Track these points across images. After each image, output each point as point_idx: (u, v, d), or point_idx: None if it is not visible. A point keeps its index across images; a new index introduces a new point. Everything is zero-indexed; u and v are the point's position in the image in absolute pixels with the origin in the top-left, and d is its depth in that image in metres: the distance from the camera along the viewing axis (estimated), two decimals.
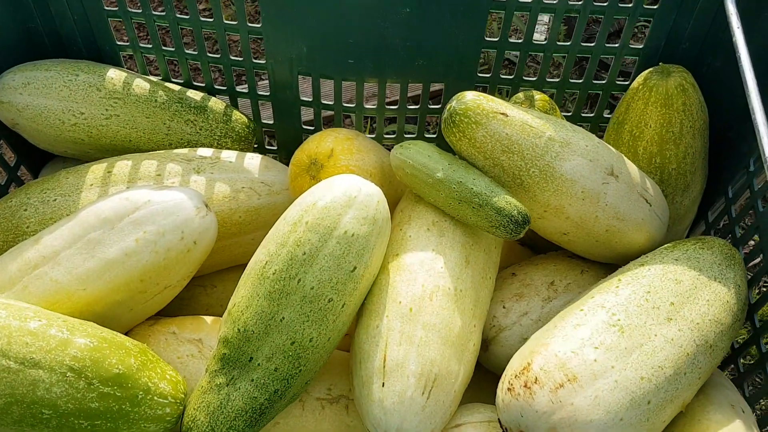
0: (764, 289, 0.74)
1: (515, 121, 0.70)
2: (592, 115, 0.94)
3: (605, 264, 0.82)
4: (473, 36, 0.84)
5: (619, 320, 0.62)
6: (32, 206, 0.79)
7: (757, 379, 1.04)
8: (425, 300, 0.66)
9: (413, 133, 0.98)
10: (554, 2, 0.80)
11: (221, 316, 0.89)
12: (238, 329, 0.63)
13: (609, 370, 0.59)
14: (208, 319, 0.76)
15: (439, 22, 0.82)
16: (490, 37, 0.84)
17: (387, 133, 0.98)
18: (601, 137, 0.98)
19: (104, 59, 0.93)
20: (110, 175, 0.81)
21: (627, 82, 0.89)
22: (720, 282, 0.68)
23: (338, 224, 0.64)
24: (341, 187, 0.66)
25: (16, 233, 0.78)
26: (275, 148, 1.03)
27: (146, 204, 0.68)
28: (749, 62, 0.66)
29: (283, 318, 0.62)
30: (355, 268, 0.64)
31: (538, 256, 0.84)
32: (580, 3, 0.80)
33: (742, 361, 0.77)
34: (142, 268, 0.68)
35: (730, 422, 0.65)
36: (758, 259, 0.84)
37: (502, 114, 0.70)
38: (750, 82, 0.64)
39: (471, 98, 0.70)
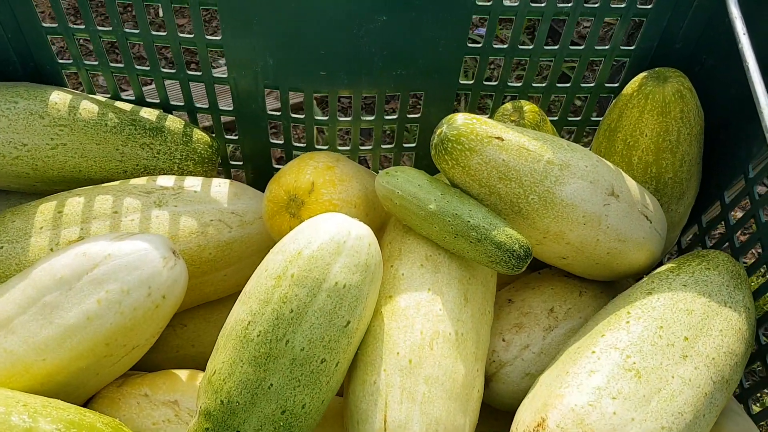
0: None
1: (512, 145, 0.64)
2: (578, 119, 0.89)
3: (602, 282, 0.78)
4: (455, 42, 0.77)
5: (634, 363, 0.58)
6: None
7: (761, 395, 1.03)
8: (425, 349, 0.60)
9: (391, 142, 0.91)
10: (542, 5, 0.74)
11: (193, 358, 0.82)
12: (221, 401, 0.56)
13: (629, 423, 0.54)
14: (183, 374, 0.69)
15: (418, 30, 0.75)
16: (473, 43, 0.78)
17: (362, 145, 0.91)
18: (588, 142, 0.93)
19: (44, 78, 0.83)
20: (61, 216, 0.72)
21: (616, 85, 0.84)
22: (730, 307, 0.65)
23: (328, 275, 0.57)
24: (328, 232, 0.59)
25: None
26: (240, 163, 0.95)
27: (106, 259, 0.61)
28: (758, 70, 0.61)
29: (272, 385, 0.56)
30: (348, 322, 0.58)
31: (532, 275, 0.80)
32: (569, 5, 0.74)
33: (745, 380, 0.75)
34: (106, 331, 0.60)
35: None
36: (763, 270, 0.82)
37: (498, 138, 0.64)
38: (760, 92, 0.60)
39: (463, 122, 0.64)
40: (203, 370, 0.82)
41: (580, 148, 0.68)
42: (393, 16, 0.74)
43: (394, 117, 0.87)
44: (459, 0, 0.73)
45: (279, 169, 0.96)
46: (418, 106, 0.86)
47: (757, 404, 1.02)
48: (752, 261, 0.74)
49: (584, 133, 0.92)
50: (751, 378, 1.00)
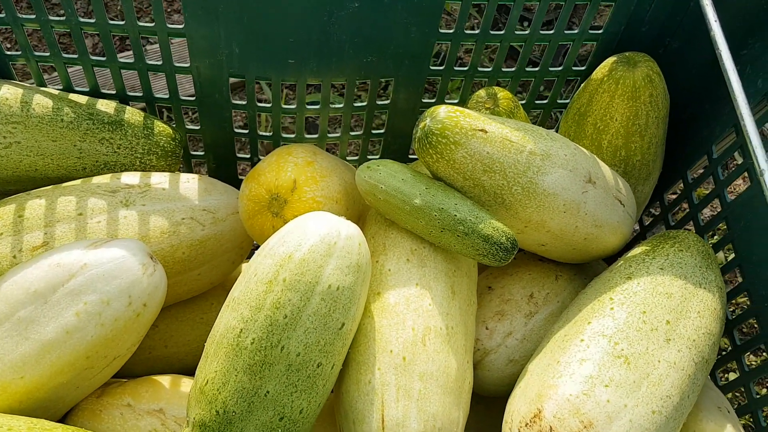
0: (739, 280, 0.74)
1: (495, 137, 0.64)
2: (545, 102, 0.90)
3: (575, 265, 0.80)
4: (427, 28, 0.76)
5: (623, 350, 0.59)
6: None
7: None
8: (418, 346, 0.60)
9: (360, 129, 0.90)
10: (500, 33, 0.74)
11: (166, 358, 0.80)
12: (217, 411, 0.55)
13: (622, 410, 0.56)
14: (165, 381, 0.67)
15: (390, 16, 0.74)
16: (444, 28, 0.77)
17: (330, 133, 0.89)
18: (554, 124, 0.94)
19: None
20: (22, 220, 0.68)
21: (583, 68, 0.85)
22: (705, 288, 0.67)
23: (320, 278, 0.56)
24: (317, 233, 0.58)
25: None
26: (202, 153, 0.92)
27: (82, 269, 0.58)
28: (730, 58, 0.63)
29: (268, 392, 0.55)
30: (343, 324, 0.57)
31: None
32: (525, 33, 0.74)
33: None
34: (87, 344, 0.57)
35: (723, 428, 0.65)
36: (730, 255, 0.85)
37: (482, 131, 0.63)
38: (734, 79, 0.61)
39: (446, 115, 0.63)
40: (177, 371, 0.80)
41: (558, 137, 0.69)
42: (365, 3, 0.72)
43: (364, 104, 0.86)
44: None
45: (242, 158, 0.94)
46: (387, 93, 0.85)
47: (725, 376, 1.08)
48: (716, 240, 0.77)
49: (549, 118, 0.93)
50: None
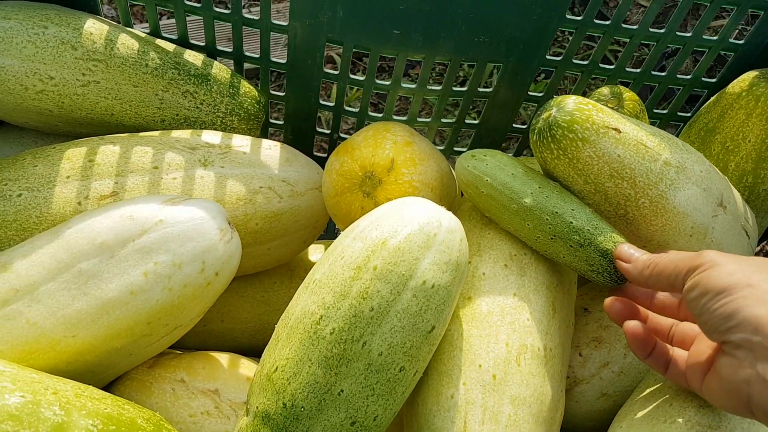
0: None
1: (629, 139, 0.56)
2: (665, 112, 0.81)
3: None
4: (554, 11, 0.68)
5: None
6: None
7: None
8: (511, 364, 0.53)
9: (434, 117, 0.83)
10: (633, 27, 0.65)
11: (220, 333, 0.75)
12: (284, 403, 0.49)
13: None
14: (223, 359, 0.61)
15: (507, 11, 0.66)
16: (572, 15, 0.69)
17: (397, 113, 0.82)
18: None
19: (77, 3, 0.72)
20: (92, 165, 0.63)
21: (713, 80, 0.77)
22: None
23: (415, 271, 0.49)
24: (417, 220, 0.51)
25: None
26: (281, 122, 0.86)
27: (157, 225, 0.52)
28: None
29: (342, 391, 0.48)
30: (433, 328, 0.50)
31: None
32: (660, 32, 0.66)
33: None
34: (150, 309, 0.52)
35: None
36: None
37: (615, 129, 0.56)
38: None
39: (576, 106, 0.56)
40: (229, 348, 0.75)
41: (693, 150, 0.61)
42: (476, 12, 0.65)
43: (463, 89, 0.79)
44: (546, 8, 0.64)
45: (321, 133, 0.88)
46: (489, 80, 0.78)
47: None
48: None
49: (665, 127, 0.84)
50: None
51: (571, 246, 0.56)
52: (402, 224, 0.51)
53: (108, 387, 0.59)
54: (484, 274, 0.58)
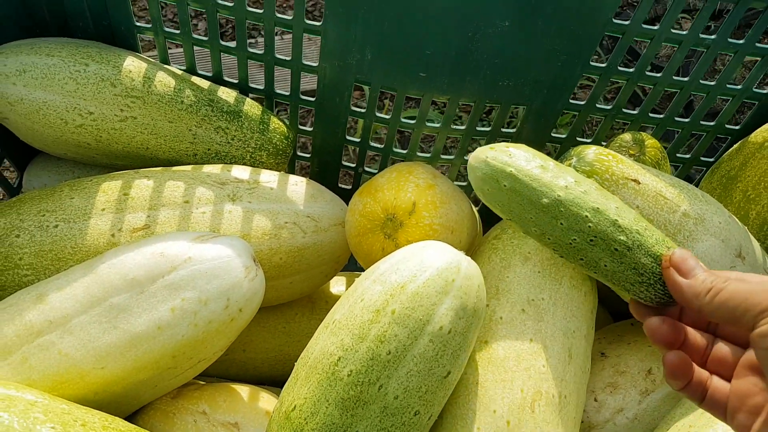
0: None
1: (648, 190, 0.57)
2: (688, 156, 0.82)
3: None
4: (578, 58, 0.70)
5: None
6: (27, 232, 0.64)
7: None
8: (525, 411, 0.54)
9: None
10: (682, 33, 0.66)
11: (242, 363, 0.76)
12: None
13: None
14: (244, 392, 0.62)
15: (540, 40, 0.68)
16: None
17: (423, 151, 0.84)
18: (692, 182, 0.86)
19: (117, 40, 0.76)
20: (126, 199, 0.65)
21: (737, 127, 0.77)
22: None
23: (432, 317, 0.51)
24: (436, 266, 0.52)
25: (6, 265, 0.63)
26: (308, 156, 0.88)
27: (186, 263, 0.54)
28: None
29: None
30: (449, 373, 0.51)
31: (624, 326, 0.73)
32: (712, 38, 0.67)
33: None
34: (176, 343, 0.54)
35: None
36: None
37: (634, 181, 0.57)
38: None
39: (595, 157, 0.57)
40: (251, 377, 0.77)
41: (713, 201, 0.61)
42: (516, 23, 0.67)
43: (487, 129, 0.80)
44: (593, 13, 0.65)
45: (346, 166, 0.90)
46: (512, 119, 0.79)
47: None
48: None
49: (687, 173, 0.85)
50: None
51: (615, 250, 0.48)
52: (421, 269, 0.52)
53: (132, 416, 0.61)
54: (501, 318, 0.59)
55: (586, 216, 0.49)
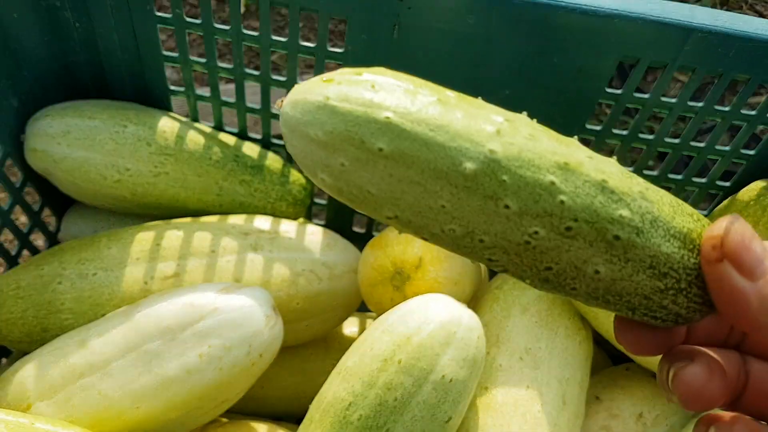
0: None
1: None
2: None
3: None
4: (574, 122, 0.75)
5: None
6: (68, 279, 0.70)
7: None
8: None
9: None
10: (672, 100, 0.72)
11: (261, 399, 0.82)
12: None
13: None
14: (263, 429, 0.68)
15: (538, 106, 0.74)
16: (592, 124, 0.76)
17: None
18: None
19: (151, 99, 0.83)
20: (159, 249, 0.72)
21: (727, 184, 0.82)
22: None
23: (435, 366, 0.56)
24: (439, 319, 0.58)
25: (50, 310, 0.70)
26: (324, 202, 0.94)
27: (213, 312, 0.60)
28: None
29: None
30: (450, 418, 0.56)
31: (619, 370, 0.77)
32: (699, 104, 0.72)
33: None
34: (203, 386, 0.59)
35: None
36: None
37: None
38: None
39: None
40: (268, 412, 0.82)
41: None
42: (516, 92, 0.72)
43: None
44: (586, 83, 0.71)
45: (360, 213, 0.95)
46: None
47: None
48: None
49: None
50: None
51: (615, 237, 0.29)
52: (426, 322, 0.58)
53: None
54: (500, 365, 0.64)
55: (552, 182, 0.29)
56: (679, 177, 0.82)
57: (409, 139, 0.29)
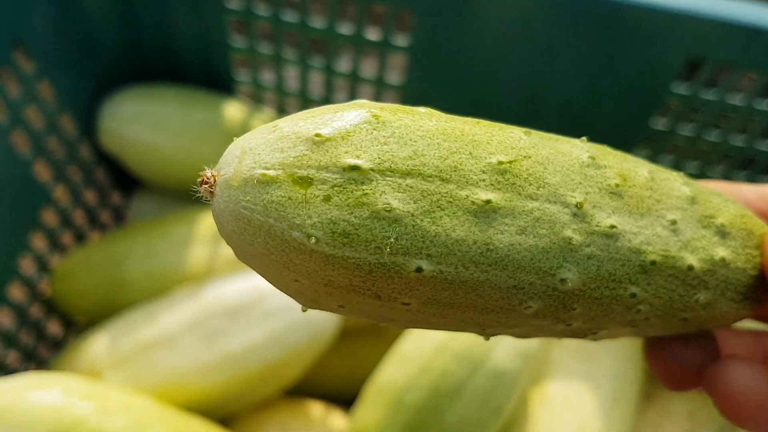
0: None
1: None
2: None
3: None
4: (643, 111, 0.75)
5: None
6: (138, 257, 0.74)
7: None
8: None
9: None
10: (738, 104, 0.71)
11: (320, 387, 0.84)
12: None
13: None
14: (318, 410, 0.71)
15: (602, 102, 0.74)
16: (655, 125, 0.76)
17: None
18: None
19: (217, 85, 0.86)
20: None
21: None
22: None
23: (489, 356, 0.57)
24: None
25: (119, 285, 0.73)
26: None
27: (276, 293, 0.62)
28: None
29: None
30: (500, 406, 0.58)
31: None
32: (765, 109, 0.71)
33: None
34: (264, 363, 0.62)
35: None
36: None
37: None
38: None
39: None
40: (321, 394, 0.84)
41: None
42: (581, 88, 0.73)
43: None
44: (652, 80, 0.71)
45: None
46: None
47: None
48: None
49: None
50: None
51: (684, 320, 0.29)
52: None
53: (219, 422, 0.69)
54: (553, 359, 0.65)
55: (632, 294, 0.27)
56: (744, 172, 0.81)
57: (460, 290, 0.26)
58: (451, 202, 0.24)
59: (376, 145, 0.24)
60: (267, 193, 0.24)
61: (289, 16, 0.73)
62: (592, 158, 0.28)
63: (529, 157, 0.26)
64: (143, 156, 0.79)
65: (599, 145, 0.30)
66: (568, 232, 0.25)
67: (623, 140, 0.78)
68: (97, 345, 0.66)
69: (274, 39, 0.76)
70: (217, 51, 0.81)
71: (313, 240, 0.23)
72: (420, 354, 0.59)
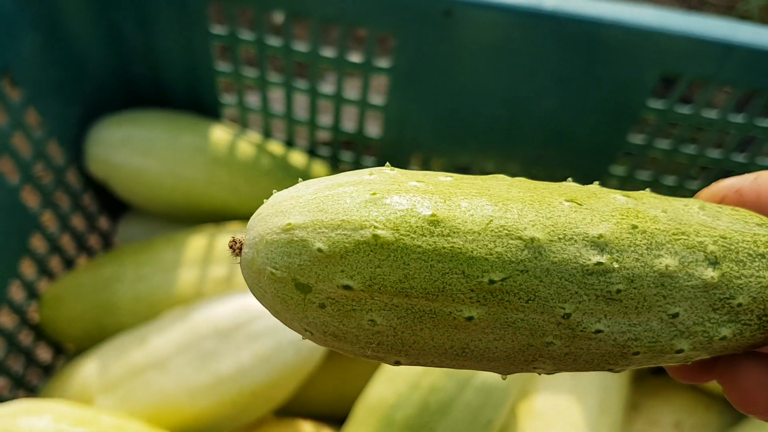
0: None
1: None
2: None
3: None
4: (617, 134, 0.77)
5: None
6: (127, 281, 0.74)
7: None
8: None
9: None
10: (713, 117, 0.73)
11: (296, 400, 0.84)
12: None
13: None
14: (308, 428, 0.71)
15: (581, 117, 0.75)
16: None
17: None
18: None
19: (204, 108, 0.86)
20: (212, 253, 0.75)
21: None
22: None
23: (477, 372, 0.58)
24: None
25: (108, 309, 0.74)
26: None
27: (264, 314, 0.63)
28: None
29: None
30: (490, 421, 0.58)
31: (659, 379, 0.78)
32: (740, 122, 0.73)
33: None
34: (255, 384, 0.62)
35: None
36: None
37: None
38: None
39: None
40: (310, 412, 0.85)
41: None
42: (560, 102, 0.74)
43: None
44: (629, 96, 0.72)
45: None
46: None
47: None
48: None
49: None
50: None
51: (679, 351, 0.29)
52: None
53: None
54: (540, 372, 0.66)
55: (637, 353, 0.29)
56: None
57: None
58: (433, 317, 0.27)
59: (370, 268, 0.27)
60: (275, 288, 0.28)
61: (274, 41, 0.74)
62: (599, 264, 0.27)
63: (526, 272, 0.27)
64: (131, 181, 0.80)
65: (631, 232, 0.28)
66: (549, 338, 0.28)
67: (602, 155, 0.80)
68: (88, 370, 0.66)
69: (259, 63, 0.77)
70: (204, 76, 0.82)
71: (308, 334, 0.29)
72: (409, 371, 0.59)
